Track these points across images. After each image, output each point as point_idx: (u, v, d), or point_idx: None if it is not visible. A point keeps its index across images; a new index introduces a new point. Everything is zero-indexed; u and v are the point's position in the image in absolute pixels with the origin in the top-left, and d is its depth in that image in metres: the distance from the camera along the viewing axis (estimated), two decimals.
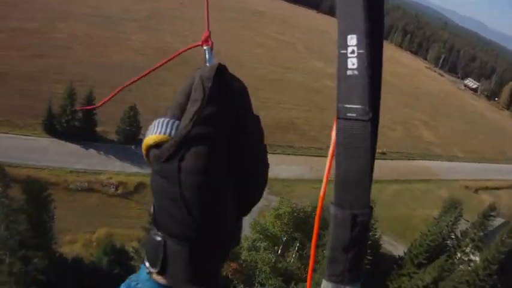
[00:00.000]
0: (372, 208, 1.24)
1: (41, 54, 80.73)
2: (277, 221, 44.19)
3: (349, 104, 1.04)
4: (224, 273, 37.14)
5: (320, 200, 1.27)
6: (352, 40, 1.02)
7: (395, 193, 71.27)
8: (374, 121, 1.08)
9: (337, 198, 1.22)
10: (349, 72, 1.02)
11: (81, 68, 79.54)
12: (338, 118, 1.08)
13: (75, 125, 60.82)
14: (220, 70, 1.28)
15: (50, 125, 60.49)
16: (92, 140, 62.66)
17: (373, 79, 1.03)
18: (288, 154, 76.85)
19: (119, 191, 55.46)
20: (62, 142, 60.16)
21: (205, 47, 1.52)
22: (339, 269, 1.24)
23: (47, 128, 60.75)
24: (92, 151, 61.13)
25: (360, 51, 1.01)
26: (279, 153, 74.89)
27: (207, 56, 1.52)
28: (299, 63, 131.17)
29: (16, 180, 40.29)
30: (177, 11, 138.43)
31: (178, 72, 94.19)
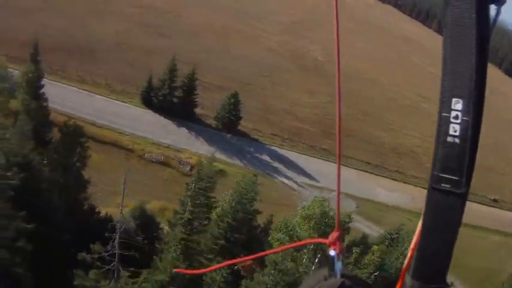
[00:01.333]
0: (448, 285, 1.17)
1: (163, 34, 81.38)
2: (305, 223, 36.78)
3: (445, 174, 1.03)
4: (236, 268, 32.13)
5: (402, 273, 1.22)
6: (457, 104, 1.00)
7: (493, 244, 60.27)
8: (466, 195, 1.08)
9: (416, 271, 1.18)
10: (449, 139, 1.01)
11: (199, 52, 78.48)
12: (431, 186, 1.07)
13: (172, 101, 58.89)
14: None
15: (147, 96, 59.41)
16: (187, 119, 60.30)
17: (474, 151, 1.02)
18: (395, 179, 68.95)
19: (193, 171, 52.18)
20: (156, 115, 58.90)
21: (332, 252, 1.25)
22: None
23: (144, 99, 59.74)
24: (183, 129, 59.14)
25: (465, 118, 0.99)
26: (385, 177, 67.41)
27: (333, 261, 1.24)
28: (437, 95, 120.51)
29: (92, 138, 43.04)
30: (328, 22, 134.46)
31: (299, 77, 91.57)
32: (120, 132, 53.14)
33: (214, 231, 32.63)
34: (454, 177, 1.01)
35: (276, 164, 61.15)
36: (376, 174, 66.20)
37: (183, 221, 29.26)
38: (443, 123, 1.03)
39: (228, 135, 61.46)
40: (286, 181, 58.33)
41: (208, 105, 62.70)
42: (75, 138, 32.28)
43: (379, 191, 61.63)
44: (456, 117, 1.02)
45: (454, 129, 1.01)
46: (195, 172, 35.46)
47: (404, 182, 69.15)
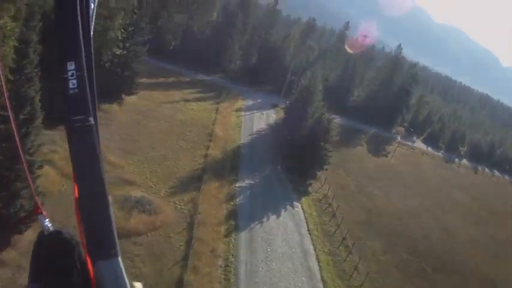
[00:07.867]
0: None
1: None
2: None
3: (76, 116, 1.45)
4: None
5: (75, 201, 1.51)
6: (71, 66, 1.47)
7: None
8: (96, 124, 1.51)
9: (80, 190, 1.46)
10: (71, 92, 1.46)
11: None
12: (69, 129, 1.47)
13: None
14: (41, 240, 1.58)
15: None
16: None
17: (92, 93, 1.50)
18: None
19: None
20: None
21: (40, 217, 1.69)
22: None
23: None
24: None
25: (79, 73, 1.46)
26: None
27: (44, 223, 1.67)
28: None
29: None
30: None
31: None
32: None
33: None
34: (82, 116, 1.33)
35: None
36: None
37: None
38: (64, 83, 1.34)
39: None
40: None
41: None
42: None
43: None
44: (72, 75, 1.34)
45: (73, 83, 1.34)
46: None
47: None
